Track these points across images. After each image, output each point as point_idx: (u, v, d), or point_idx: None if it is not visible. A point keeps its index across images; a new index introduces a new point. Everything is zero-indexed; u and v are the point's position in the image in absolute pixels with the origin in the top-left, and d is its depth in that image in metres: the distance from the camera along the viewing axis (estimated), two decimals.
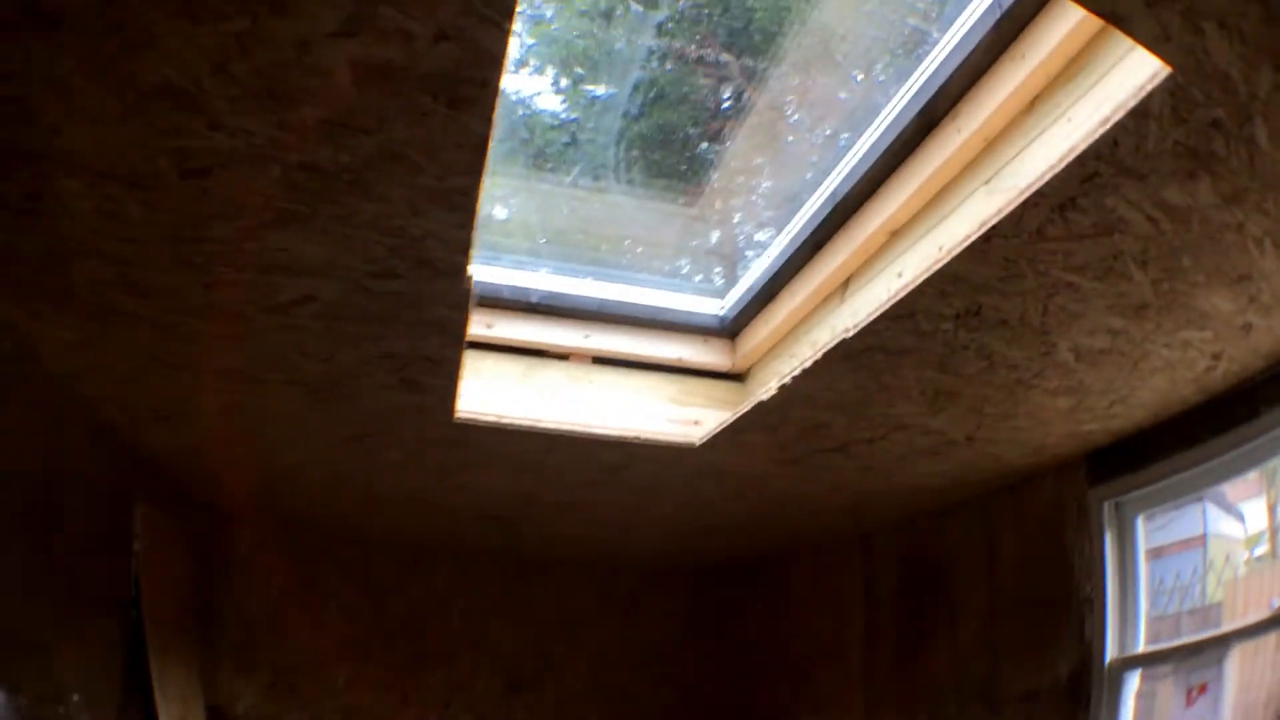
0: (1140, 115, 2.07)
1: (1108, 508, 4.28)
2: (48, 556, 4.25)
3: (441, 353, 3.43)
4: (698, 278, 4.76)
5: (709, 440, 4.10)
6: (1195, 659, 4.01)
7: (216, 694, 6.97)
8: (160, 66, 2.11)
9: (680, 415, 4.29)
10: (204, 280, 3.04)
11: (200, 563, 6.61)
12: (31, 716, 3.93)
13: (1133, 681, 4.18)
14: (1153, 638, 4.20)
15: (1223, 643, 3.90)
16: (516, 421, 4.16)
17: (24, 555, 4.05)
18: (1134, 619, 4.22)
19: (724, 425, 4.00)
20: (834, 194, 3.68)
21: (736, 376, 4.46)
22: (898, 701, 5.79)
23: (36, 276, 3.25)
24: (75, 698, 4.43)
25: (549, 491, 5.29)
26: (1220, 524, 4.17)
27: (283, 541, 7.46)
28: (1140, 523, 4.26)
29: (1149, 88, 2.02)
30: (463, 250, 2.75)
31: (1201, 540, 4.21)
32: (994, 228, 2.51)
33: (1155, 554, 4.33)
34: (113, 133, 2.37)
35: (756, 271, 4.22)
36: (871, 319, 2.98)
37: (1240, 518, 4.03)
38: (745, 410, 3.82)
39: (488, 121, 2.24)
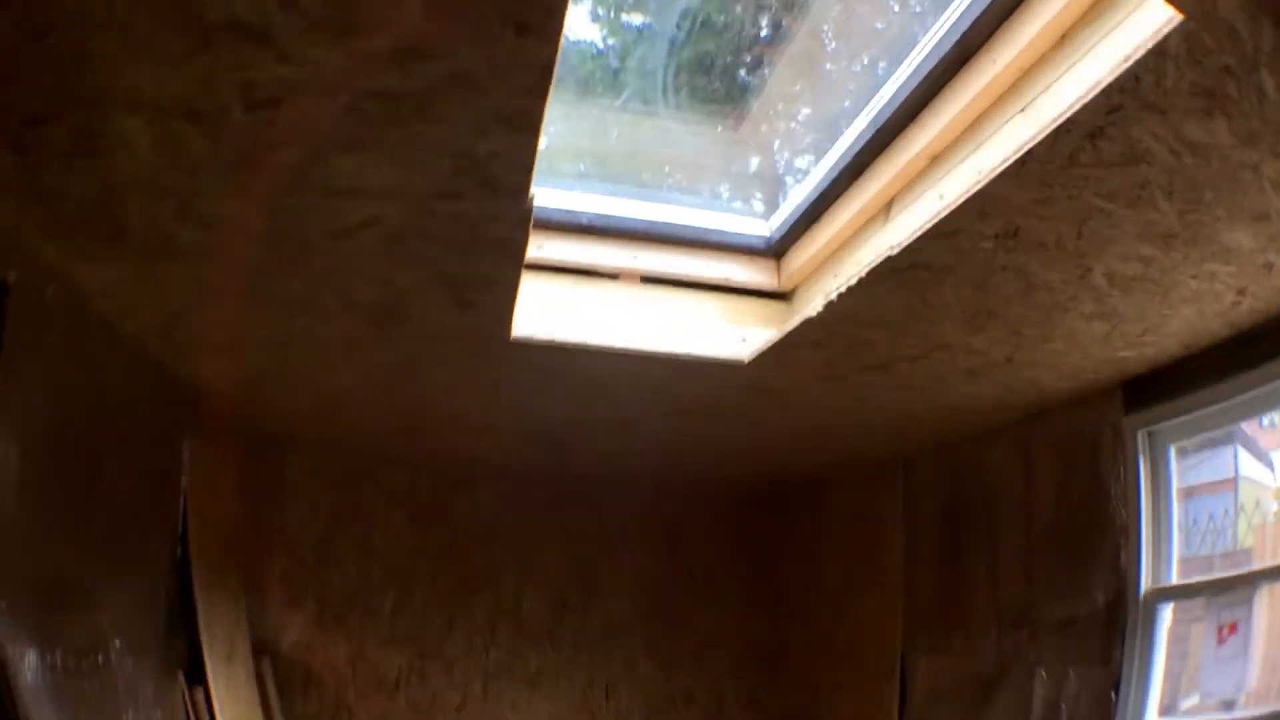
0: (1159, 55, 2.20)
1: (1142, 436, 4.40)
2: (91, 502, 4.32)
3: (500, 273, 3.53)
4: (739, 203, 4.87)
5: (757, 357, 4.22)
6: (1226, 597, 4.16)
7: (263, 629, 7.12)
8: (229, 4, 2.17)
9: (728, 333, 4.37)
10: (266, 208, 3.13)
11: (248, 494, 6.72)
12: (66, 671, 3.92)
13: (1166, 614, 4.32)
14: (1186, 578, 4.34)
15: (1252, 583, 4.06)
16: (568, 340, 4.29)
17: (67, 504, 4.10)
18: (1167, 550, 4.34)
19: (772, 342, 4.11)
20: (875, 120, 3.79)
21: (783, 296, 4.56)
22: (937, 625, 5.95)
23: (87, 218, 3.33)
24: (116, 643, 4.50)
25: (598, 409, 5.41)
26: (1251, 469, 4.29)
27: (332, 469, 7.68)
28: (1173, 453, 4.37)
29: (1165, 30, 2.15)
30: (525, 170, 2.83)
31: (1233, 484, 4.33)
32: (1029, 152, 2.64)
33: (1188, 493, 4.45)
34: (176, 71, 2.43)
35: (802, 193, 4.32)
36: (915, 237, 3.11)
37: (1271, 465, 4.17)
38: (793, 327, 3.92)
39: (554, 46, 2.31)
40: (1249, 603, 4.07)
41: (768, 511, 8.41)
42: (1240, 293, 3.42)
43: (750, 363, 4.28)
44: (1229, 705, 4.13)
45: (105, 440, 4.42)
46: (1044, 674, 4.92)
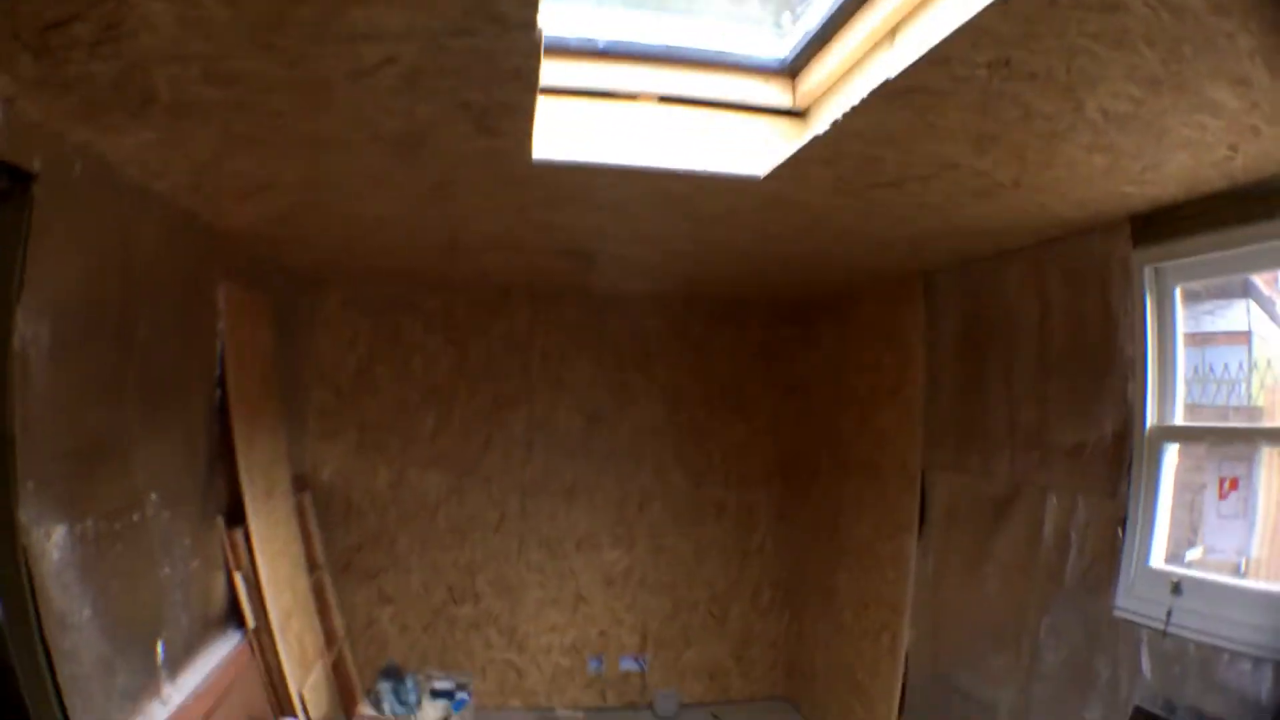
0: None
1: (1149, 272, 4.56)
2: (126, 362, 4.47)
3: (516, 100, 3.62)
4: (753, 24, 4.95)
5: (772, 173, 4.34)
6: (1229, 449, 4.37)
7: (302, 463, 7.52)
8: None
9: (744, 150, 4.49)
10: (287, 60, 3.21)
11: (286, 333, 6.94)
12: (98, 537, 4.09)
13: (1171, 455, 4.54)
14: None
15: (1253, 441, 4.31)
16: (587, 161, 4.45)
17: (102, 369, 4.23)
18: (1172, 391, 4.53)
19: (785, 159, 4.24)
20: None
21: (798, 114, 4.63)
22: (955, 441, 6.22)
23: (112, 95, 3.40)
24: (153, 497, 4.71)
25: (622, 227, 5.53)
26: (1264, 327, 4.51)
27: (368, 300, 8.05)
28: (1179, 294, 4.52)
29: None
30: (532, 5, 2.87)
31: (1247, 338, 4.57)
32: None
33: (1204, 340, 4.68)
34: None
35: (815, 15, 4.45)
36: (911, 63, 3.30)
37: None
38: (803, 144, 4.05)
39: None
40: (1250, 460, 4.29)
41: (796, 326, 8.73)
42: (1232, 148, 3.57)
43: (766, 178, 4.42)
44: (1232, 570, 4.39)
45: (139, 299, 4.57)
46: (1054, 499, 5.19)
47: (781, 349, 8.80)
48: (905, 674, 6.74)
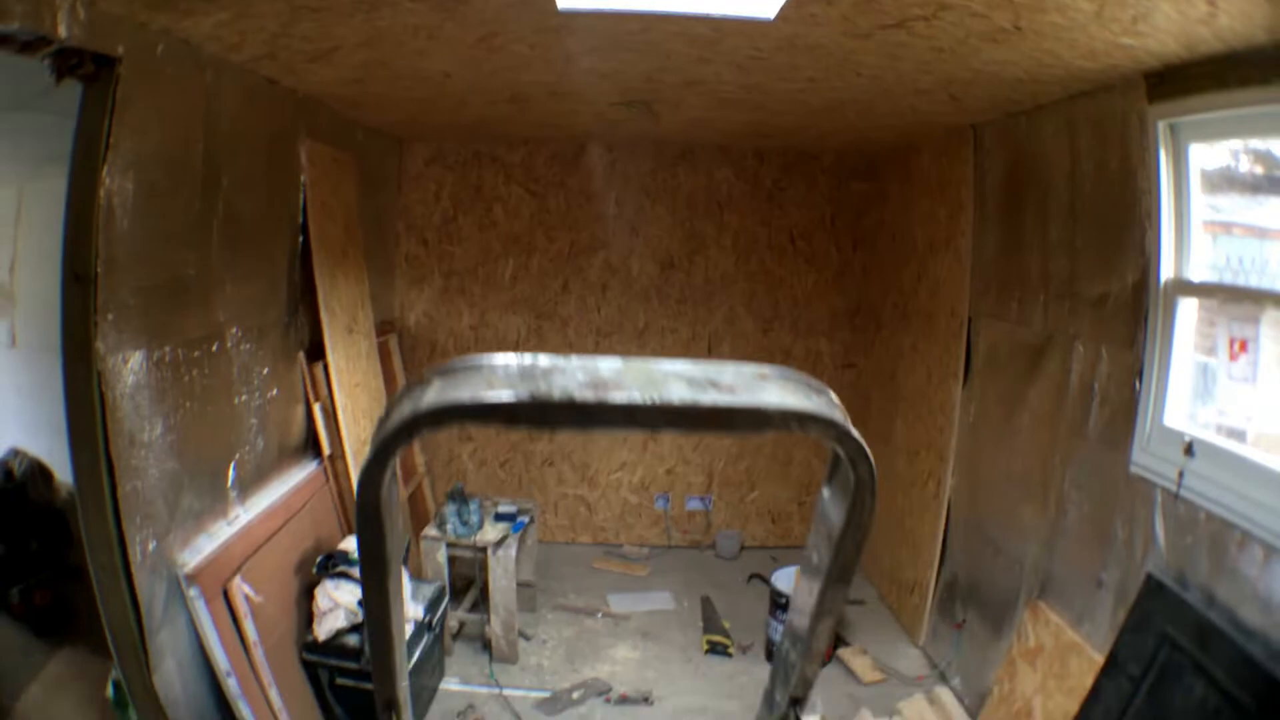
0: None
1: (1163, 127, 4.36)
2: (211, 211, 4.73)
3: None
4: None
5: (780, 13, 4.25)
6: (1238, 309, 4.23)
7: (390, 308, 7.72)
8: None
9: None
10: None
11: (373, 188, 7.14)
12: (174, 363, 4.38)
13: (1185, 308, 4.39)
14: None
15: (1261, 301, 4.13)
16: (609, 8, 4.43)
17: (187, 217, 4.52)
18: (1187, 246, 4.37)
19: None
20: None
21: None
22: (998, 288, 6.08)
23: None
24: (234, 330, 4.99)
25: (665, 70, 5.44)
26: None
27: (451, 156, 8.10)
28: (1193, 152, 4.32)
29: None
30: None
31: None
32: None
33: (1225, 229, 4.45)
34: None
35: None
36: None
37: None
38: None
39: None
40: (1257, 321, 4.14)
41: (864, 181, 8.49)
42: (1211, 3, 3.40)
43: (776, 19, 4.30)
44: (1239, 435, 4.24)
45: (224, 156, 4.79)
46: (1081, 349, 5.07)
47: (850, 202, 8.56)
48: (947, 522, 6.73)
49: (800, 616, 2.08)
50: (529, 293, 8.44)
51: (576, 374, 1.49)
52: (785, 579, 6.89)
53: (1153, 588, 4.25)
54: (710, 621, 7.28)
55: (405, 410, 1.54)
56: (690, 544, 9.00)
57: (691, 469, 8.87)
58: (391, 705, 2.16)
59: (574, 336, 8.52)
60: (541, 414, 1.45)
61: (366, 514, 1.69)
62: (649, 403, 1.46)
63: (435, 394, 1.53)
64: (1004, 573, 5.84)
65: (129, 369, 3.96)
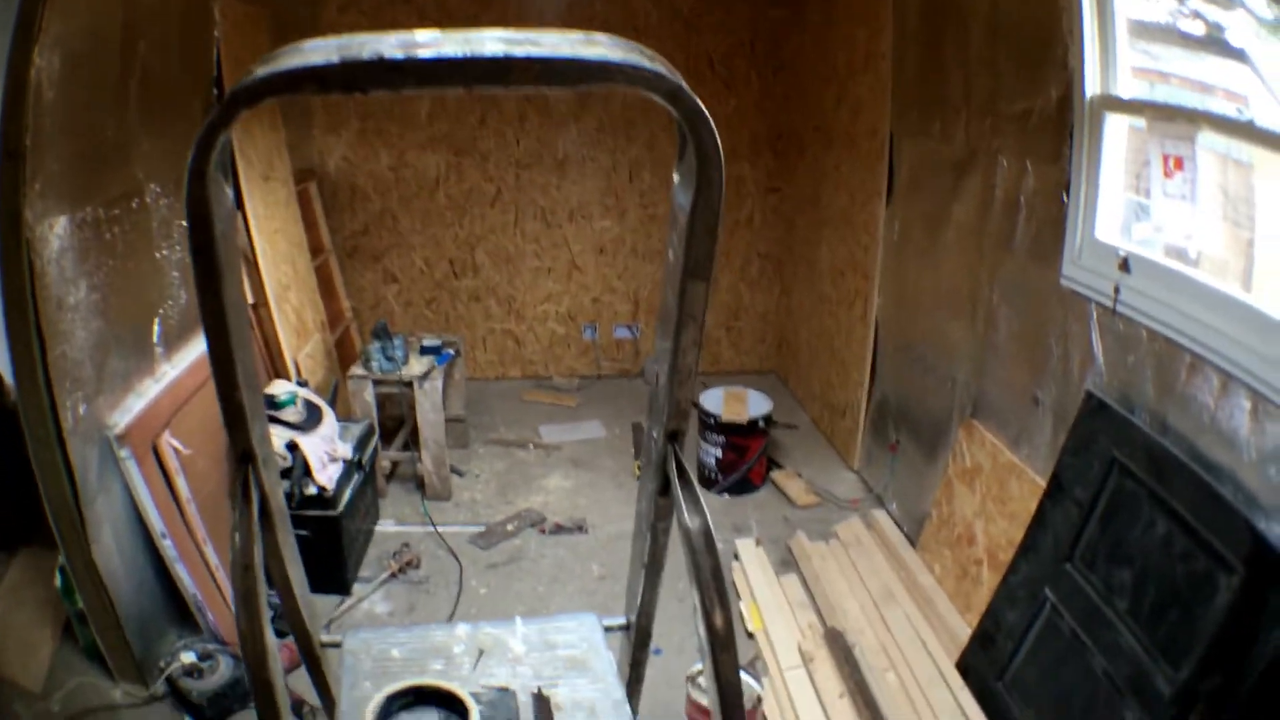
0: None
1: None
2: (129, 75, 4.50)
3: None
4: None
5: None
6: (1170, 128, 3.81)
7: (310, 157, 7.48)
8: None
9: None
10: None
11: (283, 38, 6.74)
12: (96, 222, 4.21)
13: (1113, 124, 4.05)
14: None
15: (1195, 120, 3.67)
16: None
17: (106, 84, 4.33)
18: (1113, 64, 3.98)
19: None
20: None
21: None
22: (919, 108, 5.72)
23: None
24: (153, 187, 4.75)
25: None
26: None
27: (363, 2, 7.66)
28: None
29: None
30: None
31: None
32: None
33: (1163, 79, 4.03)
34: None
35: None
36: None
37: None
38: None
39: None
40: (1192, 140, 3.72)
41: (781, 4, 8.03)
42: None
43: None
44: (1179, 254, 3.88)
45: (141, 21, 4.56)
46: (1005, 163, 4.74)
47: (769, 28, 8.05)
48: (876, 342, 6.47)
49: (665, 329, 1.85)
50: (446, 129, 7.98)
51: (390, 40, 1.34)
52: (713, 399, 6.68)
53: (1094, 407, 3.96)
54: (641, 447, 7.00)
55: (225, 99, 1.42)
56: (619, 373, 8.75)
57: (618, 297, 8.55)
58: (248, 457, 1.95)
59: (493, 170, 8.11)
60: (352, 76, 1.34)
61: (194, 214, 1.54)
62: (462, 56, 1.32)
63: (251, 76, 1.39)
64: (936, 392, 5.59)
65: (54, 234, 3.86)
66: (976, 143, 5.04)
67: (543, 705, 1.86)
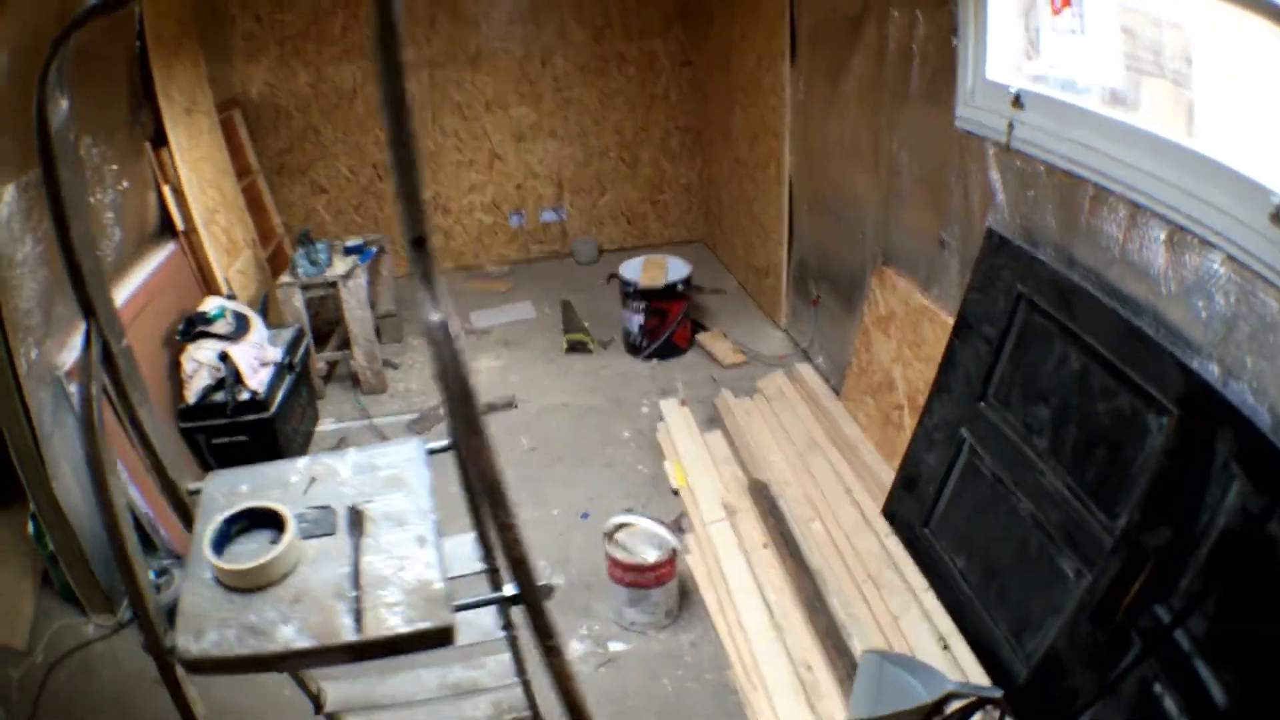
0: None
1: None
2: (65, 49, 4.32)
3: None
4: None
5: None
6: None
7: (232, 86, 7.09)
8: None
9: None
10: None
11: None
12: (37, 181, 4.00)
13: None
14: None
15: None
16: None
17: (42, 48, 4.02)
18: None
19: None
20: None
21: None
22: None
23: None
24: (86, 140, 4.71)
25: None
26: None
27: None
28: None
29: None
30: None
31: None
32: None
33: None
34: None
35: None
36: None
37: None
38: None
39: None
40: None
41: None
42: None
43: None
44: (1070, 86, 3.51)
45: (74, 10, 4.22)
46: (896, 13, 4.40)
47: None
48: (791, 201, 6.14)
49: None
50: (359, 40, 7.48)
51: None
52: (632, 268, 6.41)
53: (995, 244, 3.67)
54: (570, 323, 6.77)
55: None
56: (549, 255, 8.38)
57: (541, 181, 8.13)
58: (90, 311, 1.96)
59: (408, 72, 7.50)
60: None
61: (39, 113, 1.72)
62: None
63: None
64: (849, 244, 5.29)
65: (4, 202, 3.90)
66: None
67: (356, 517, 1.99)
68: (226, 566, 1.82)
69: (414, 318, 7.13)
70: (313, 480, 2.13)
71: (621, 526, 4.01)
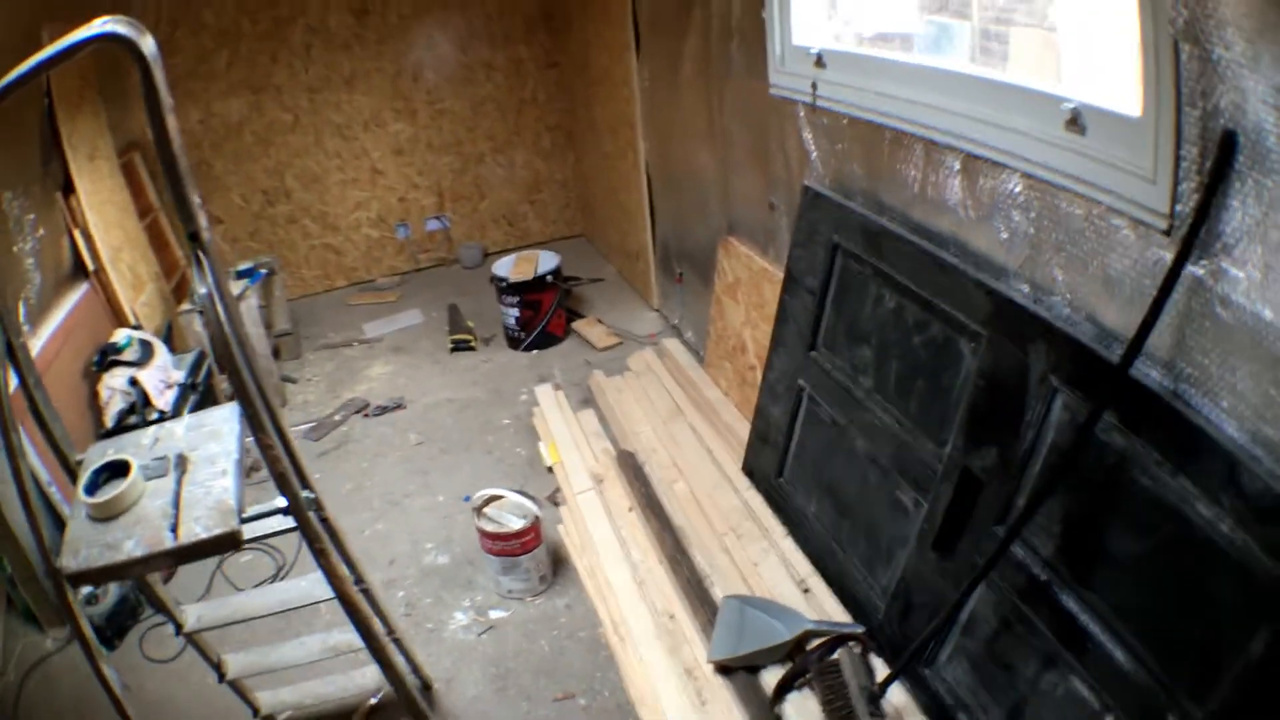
0: None
1: None
2: None
3: None
4: None
5: None
6: None
7: (132, 132, 6.86)
8: None
9: None
10: None
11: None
12: None
13: None
14: None
15: None
16: None
17: None
18: None
19: None
20: None
21: None
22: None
23: None
24: (7, 195, 4.74)
25: None
26: None
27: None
28: None
29: None
30: None
31: None
32: None
33: None
34: None
35: None
36: None
37: None
38: None
39: None
40: None
41: None
42: None
43: None
44: (873, 41, 3.56)
45: None
46: None
47: None
48: (650, 186, 6.06)
49: None
50: (243, 74, 7.31)
51: None
52: (504, 265, 6.31)
53: (811, 199, 3.61)
54: (455, 324, 6.64)
55: None
56: (436, 263, 8.19)
57: (422, 192, 7.96)
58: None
59: (288, 100, 7.45)
60: None
61: None
62: None
63: None
64: (699, 220, 5.23)
65: None
66: None
67: (182, 461, 2.47)
68: (89, 501, 2.33)
69: (311, 334, 6.99)
70: (157, 440, 2.60)
71: (490, 500, 3.96)
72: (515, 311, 6.08)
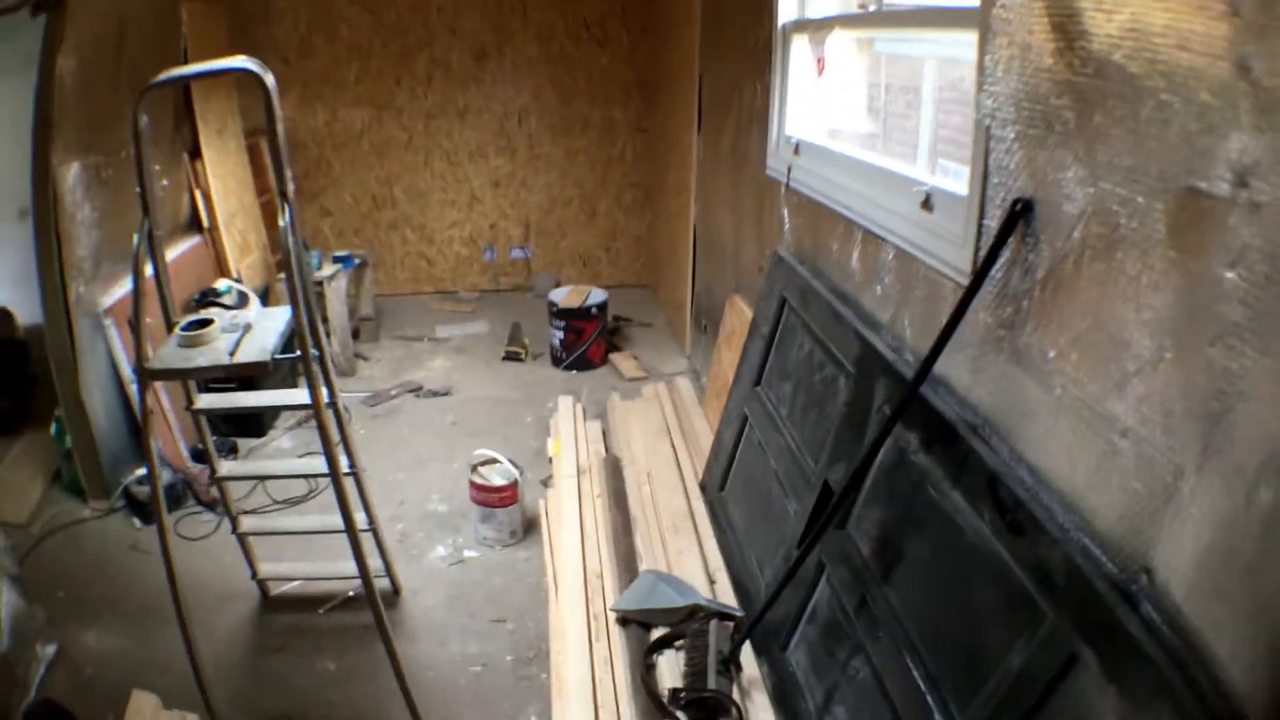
0: None
1: None
2: (119, 65, 5.24)
3: None
4: None
5: None
6: (818, 35, 4.24)
7: (258, 119, 7.27)
8: None
9: None
10: None
11: (242, 27, 7.28)
12: (97, 166, 5.04)
13: (796, 42, 4.39)
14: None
15: (830, 25, 4.13)
16: None
17: (106, 73, 5.09)
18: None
19: None
20: None
21: None
22: (717, 48, 6.00)
23: None
24: (123, 154, 5.30)
25: None
26: None
27: None
28: None
29: None
30: None
31: None
32: None
33: None
34: None
35: None
36: None
37: None
38: None
39: None
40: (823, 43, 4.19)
41: None
42: None
43: None
44: (834, 134, 4.29)
45: (129, 26, 5.33)
46: (753, 84, 5.00)
47: None
48: (695, 245, 6.76)
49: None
50: (370, 90, 8.25)
51: None
52: (560, 293, 7.11)
53: (776, 261, 4.31)
54: (513, 338, 7.42)
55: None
56: (514, 287, 9.01)
57: (511, 223, 8.81)
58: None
59: (407, 120, 8.38)
60: None
61: (134, 133, 3.12)
62: None
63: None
64: (719, 279, 5.94)
65: (70, 173, 4.77)
66: (738, 72, 5.33)
67: (248, 326, 3.39)
68: (181, 333, 3.27)
69: (390, 326, 7.83)
70: (235, 316, 3.50)
71: (486, 462, 4.78)
72: (560, 334, 6.85)
